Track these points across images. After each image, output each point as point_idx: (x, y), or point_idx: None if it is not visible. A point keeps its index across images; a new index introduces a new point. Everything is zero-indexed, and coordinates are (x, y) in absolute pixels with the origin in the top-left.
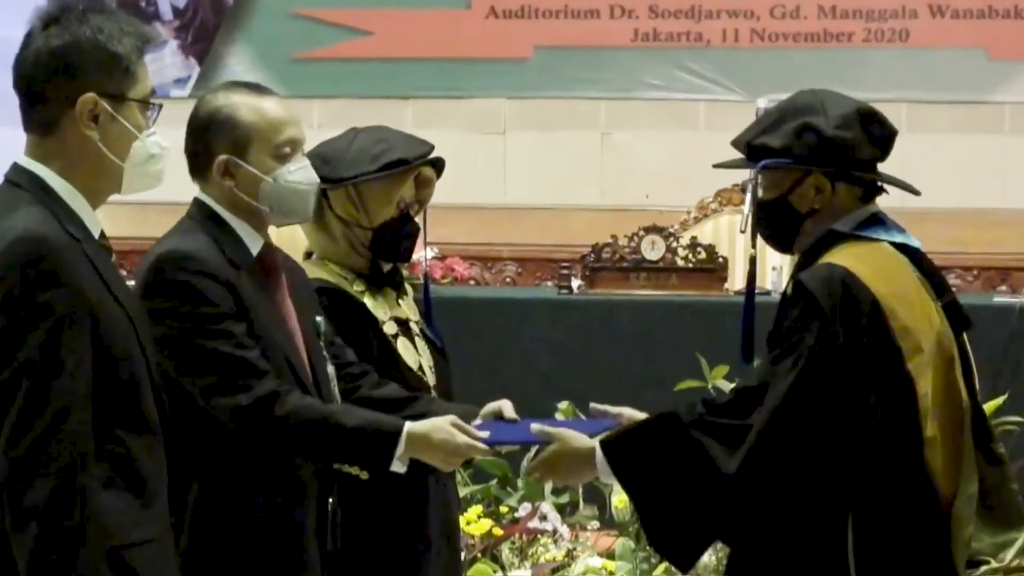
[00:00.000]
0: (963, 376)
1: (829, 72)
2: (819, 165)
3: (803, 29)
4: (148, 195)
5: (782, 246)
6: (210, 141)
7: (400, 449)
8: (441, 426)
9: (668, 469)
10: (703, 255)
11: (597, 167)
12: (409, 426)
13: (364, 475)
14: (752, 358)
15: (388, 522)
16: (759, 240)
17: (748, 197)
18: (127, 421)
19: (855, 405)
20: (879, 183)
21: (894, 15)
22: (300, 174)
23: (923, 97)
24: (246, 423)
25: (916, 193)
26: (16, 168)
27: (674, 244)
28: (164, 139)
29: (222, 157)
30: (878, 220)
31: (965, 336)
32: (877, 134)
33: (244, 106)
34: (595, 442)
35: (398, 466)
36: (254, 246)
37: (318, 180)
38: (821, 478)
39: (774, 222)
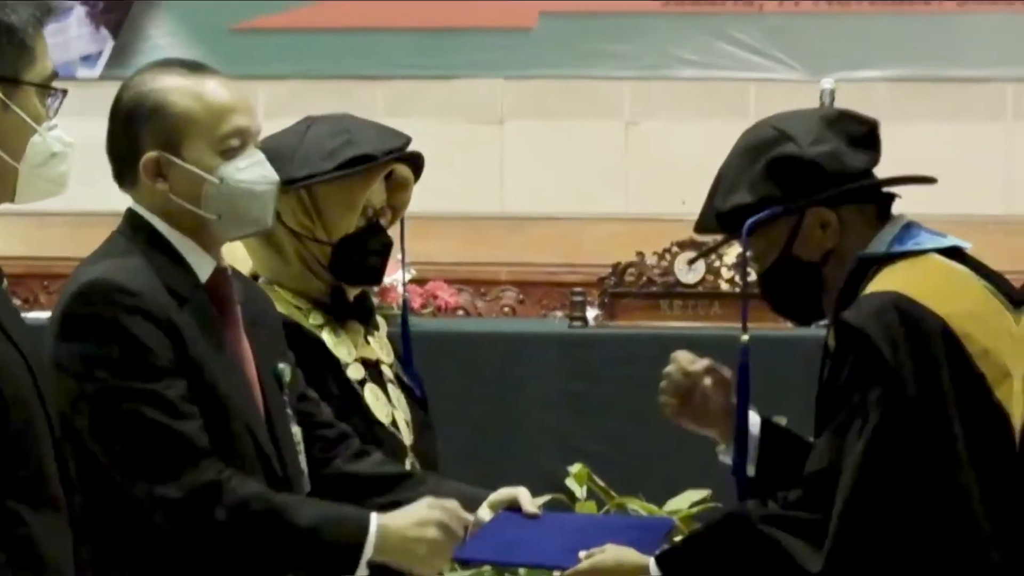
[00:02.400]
0: None
1: (913, 45)
2: (812, 196)
3: None
4: (49, 204)
5: (809, 313)
6: (136, 135)
7: (368, 552)
8: (420, 517)
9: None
10: (752, 277)
11: (620, 166)
12: (379, 520)
13: None
14: (746, 497)
15: None
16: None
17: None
18: (25, 493)
19: (942, 459)
20: (888, 189)
21: None
22: (253, 171)
23: None
24: (174, 521)
25: (932, 182)
26: None
27: (716, 263)
28: (68, 134)
29: (151, 154)
30: (913, 229)
31: None
32: (857, 133)
33: (177, 90)
34: (649, 558)
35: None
36: (203, 270)
37: (277, 178)
38: (917, 550)
39: (787, 287)
